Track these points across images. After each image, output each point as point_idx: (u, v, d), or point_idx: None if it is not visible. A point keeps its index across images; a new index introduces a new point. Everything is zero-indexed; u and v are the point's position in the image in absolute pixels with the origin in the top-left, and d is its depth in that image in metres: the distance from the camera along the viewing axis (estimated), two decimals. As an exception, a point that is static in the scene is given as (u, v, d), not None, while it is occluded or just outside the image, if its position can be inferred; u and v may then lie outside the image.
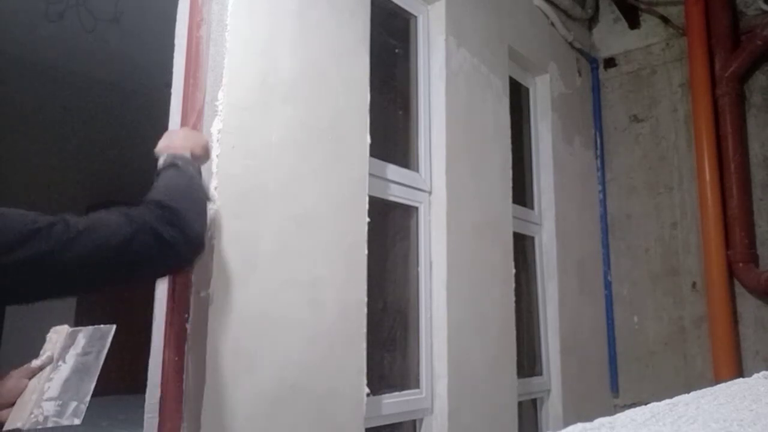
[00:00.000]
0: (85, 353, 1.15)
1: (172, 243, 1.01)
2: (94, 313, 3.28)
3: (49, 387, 1.11)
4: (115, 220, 0.98)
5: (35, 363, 1.12)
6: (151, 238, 0.98)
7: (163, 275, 1.06)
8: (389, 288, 2.39)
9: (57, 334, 1.21)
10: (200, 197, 1.14)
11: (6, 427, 1.04)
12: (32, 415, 1.07)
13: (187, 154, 1.29)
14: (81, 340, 1.18)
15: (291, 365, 1.67)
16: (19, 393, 1.09)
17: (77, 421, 1.08)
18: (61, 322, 1.24)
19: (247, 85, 1.67)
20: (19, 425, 1.06)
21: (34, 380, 1.13)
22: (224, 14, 1.64)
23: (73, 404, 1.10)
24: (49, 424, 1.07)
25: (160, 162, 1.25)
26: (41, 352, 1.18)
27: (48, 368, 1.13)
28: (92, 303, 4.41)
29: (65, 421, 1.08)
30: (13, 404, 1.09)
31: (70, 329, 1.21)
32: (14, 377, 1.10)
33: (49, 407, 1.08)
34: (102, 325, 1.20)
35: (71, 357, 1.15)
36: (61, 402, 1.10)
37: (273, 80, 1.75)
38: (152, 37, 3.65)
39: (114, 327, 1.18)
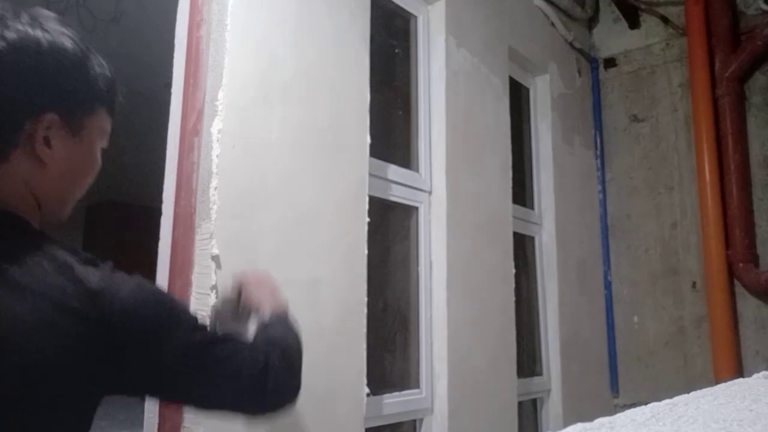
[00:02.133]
0: None
1: (267, 392, 0.95)
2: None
3: None
4: (249, 353, 0.92)
5: None
6: (272, 377, 0.93)
7: (259, 413, 0.99)
8: (389, 288, 2.39)
9: None
10: (297, 355, 1.09)
11: None
12: None
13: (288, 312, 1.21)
14: None
15: (291, 365, 1.67)
16: None
17: None
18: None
19: (247, 85, 1.67)
20: None
21: None
22: (224, 14, 1.64)
23: None
24: None
25: (267, 317, 1.16)
26: None
27: None
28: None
29: None
30: None
31: None
32: None
33: None
34: None
35: None
36: None
37: (273, 80, 1.75)
38: (152, 37, 3.64)
39: None
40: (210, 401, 0.91)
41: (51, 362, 0.73)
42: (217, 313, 1.40)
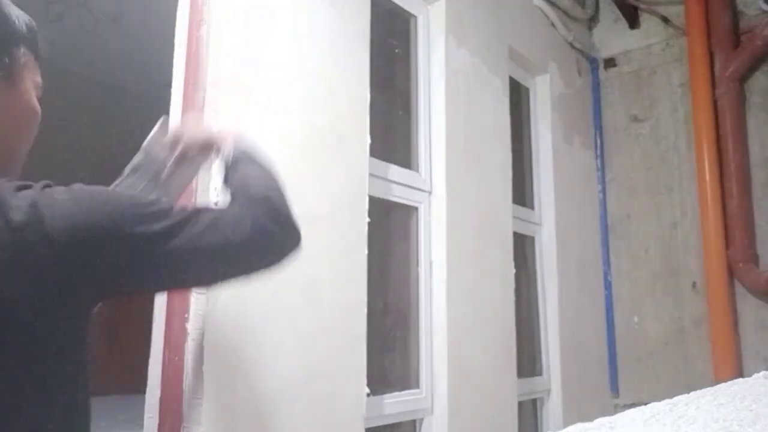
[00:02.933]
0: None
1: (279, 240, 0.97)
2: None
3: None
4: (234, 220, 0.90)
5: None
6: (265, 238, 0.93)
7: (266, 269, 0.97)
8: (389, 288, 2.39)
9: None
10: (281, 189, 1.04)
11: None
12: None
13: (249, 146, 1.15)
14: None
15: (291, 365, 1.67)
16: None
17: None
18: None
19: (246, 85, 1.67)
20: None
21: None
22: (224, 14, 1.64)
23: None
24: None
25: (230, 151, 1.10)
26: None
27: None
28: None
29: None
30: None
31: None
32: None
33: None
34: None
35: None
36: None
37: (273, 80, 1.75)
38: (152, 37, 3.64)
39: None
40: (212, 277, 0.93)
41: (22, 298, 0.72)
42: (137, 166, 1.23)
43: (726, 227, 3.18)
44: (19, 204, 0.74)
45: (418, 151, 2.46)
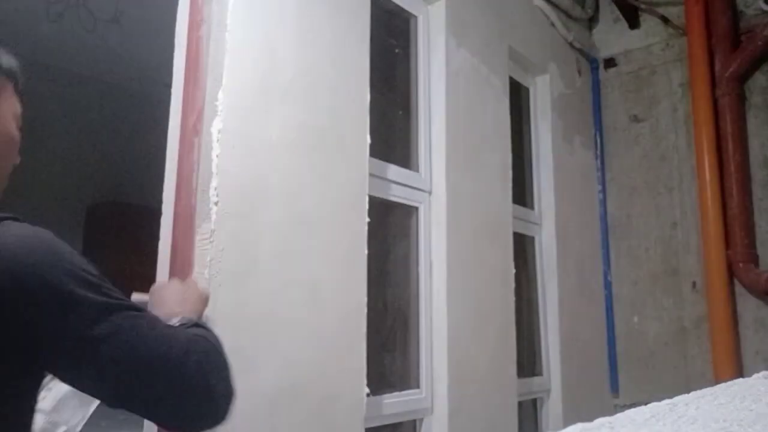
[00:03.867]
0: None
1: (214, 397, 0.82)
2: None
3: (43, 398, 1.01)
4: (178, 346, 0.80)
5: None
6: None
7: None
8: (389, 288, 2.39)
9: None
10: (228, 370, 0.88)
11: None
12: None
13: (202, 320, 1.03)
14: None
15: (291, 365, 1.67)
16: None
17: None
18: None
19: (247, 85, 1.67)
20: None
21: None
22: (224, 14, 1.64)
23: (62, 429, 1.01)
24: None
25: (175, 321, 0.94)
26: None
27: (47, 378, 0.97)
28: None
29: None
30: None
31: None
32: None
33: (38, 419, 0.95)
34: None
35: None
36: (50, 420, 1.01)
37: (273, 80, 1.75)
38: (152, 37, 3.64)
39: None
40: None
41: None
42: None
43: (726, 227, 3.18)
44: None
45: (418, 151, 2.46)
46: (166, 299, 1.04)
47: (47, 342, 0.72)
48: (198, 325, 0.94)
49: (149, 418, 0.88)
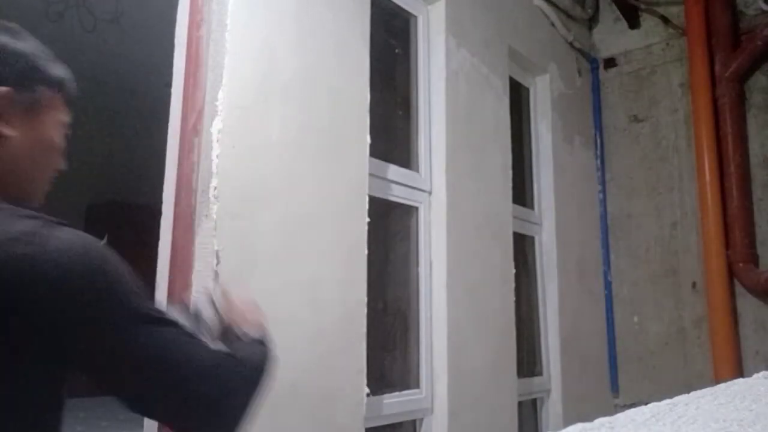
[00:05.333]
0: None
1: (232, 412, 0.88)
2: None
3: None
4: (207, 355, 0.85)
5: None
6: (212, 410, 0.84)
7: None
8: (389, 288, 2.39)
9: None
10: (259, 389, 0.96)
11: None
12: None
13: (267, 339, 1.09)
14: None
15: (291, 365, 1.67)
16: None
17: None
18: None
19: (247, 85, 1.67)
20: None
21: None
22: (224, 14, 1.64)
23: None
24: None
25: (252, 333, 1.04)
26: None
27: None
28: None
29: None
30: None
31: None
32: None
33: None
34: None
35: None
36: None
37: (273, 80, 1.75)
38: (152, 37, 3.64)
39: None
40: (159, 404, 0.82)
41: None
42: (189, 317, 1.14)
43: (726, 227, 3.18)
44: (18, 239, 0.73)
45: (418, 151, 2.46)
46: (237, 307, 1.10)
47: (87, 341, 0.75)
48: (263, 343, 1.03)
49: (165, 423, 0.92)
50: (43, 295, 0.72)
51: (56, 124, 0.94)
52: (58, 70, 0.95)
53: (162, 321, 0.82)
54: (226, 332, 1.04)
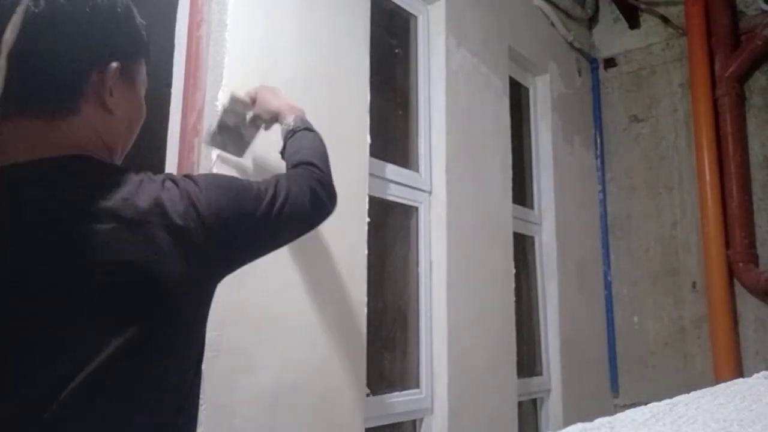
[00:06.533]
0: None
1: (325, 202, 1.18)
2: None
3: None
4: (298, 186, 1.11)
5: None
6: (317, 201, 1.14)
7: (316, 225, 1.22)
8: (389, 288, 2.39)
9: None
10: (328, 158, 1.30)
11: None
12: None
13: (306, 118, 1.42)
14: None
15: (291, 365, 1.67)
16: None
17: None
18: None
19: (247, 84, 1.67)
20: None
21: None
22: (224, 14, 1.64)
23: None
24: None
25: (291, 122, 1.39)
26: None
27: None
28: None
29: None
30: None
31: None
32: None
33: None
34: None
35: None
36: None
37: (273, 80, 1.74)
38: (152, 37, 3.64)
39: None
40: (288, 237, 1.13)
41: (177, 276, 0.81)
42: (224, 125, 1.49)
43: (726, 227, 3.18)
44: (172, 197, 0.85)
45: (418, 151, 2.46)
46: (271, 99, 1.46)
47: (242, 238, 0.95)
48: (308, 128, 1.38)
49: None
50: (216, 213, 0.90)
51: (144, 86, 0.98)
52: (144, 34, 0.97)
53: (269, 183, 1.05)
54: (269, 120, 1.45)
